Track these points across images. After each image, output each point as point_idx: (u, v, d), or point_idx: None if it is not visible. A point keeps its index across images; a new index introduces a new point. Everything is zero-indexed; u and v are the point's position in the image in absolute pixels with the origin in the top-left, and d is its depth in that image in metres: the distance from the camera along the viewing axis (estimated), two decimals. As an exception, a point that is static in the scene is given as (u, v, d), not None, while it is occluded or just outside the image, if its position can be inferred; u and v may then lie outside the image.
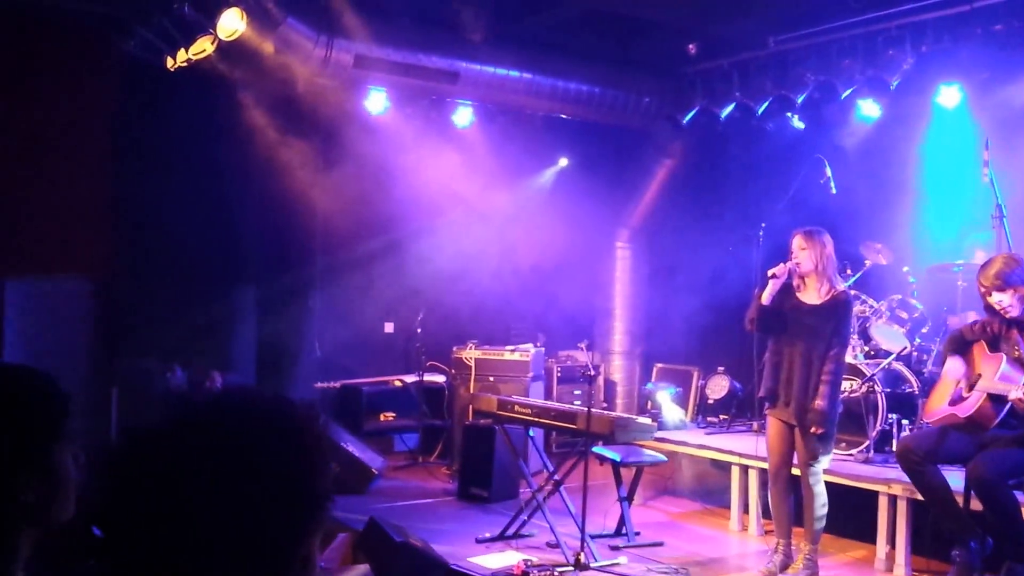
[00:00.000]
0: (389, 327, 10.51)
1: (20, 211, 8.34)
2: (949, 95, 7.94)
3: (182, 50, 7.75)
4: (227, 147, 8.79)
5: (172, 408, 1.34)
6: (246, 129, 8.76)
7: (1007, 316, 5.42)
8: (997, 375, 5.36)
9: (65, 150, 8.63)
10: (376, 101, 8.95)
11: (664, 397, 9.18)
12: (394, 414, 9.84)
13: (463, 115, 9.59)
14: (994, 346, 5.52)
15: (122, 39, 7.98)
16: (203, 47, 7.58)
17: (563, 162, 10.81)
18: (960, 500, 5.60)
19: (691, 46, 9.21)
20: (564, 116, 9.87)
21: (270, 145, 8.96)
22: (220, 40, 7.41)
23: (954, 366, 5.60)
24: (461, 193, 9.91)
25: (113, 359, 8.61)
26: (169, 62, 7.92)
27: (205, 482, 1.25)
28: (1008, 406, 5.30)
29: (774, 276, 5.99)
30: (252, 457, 1.28)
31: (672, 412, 9.07)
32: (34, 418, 1.65)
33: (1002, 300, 5.38)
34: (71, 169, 8.64)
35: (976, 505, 5.49)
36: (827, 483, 6.18)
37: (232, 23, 7.34)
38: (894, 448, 6.70)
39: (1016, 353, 5.39)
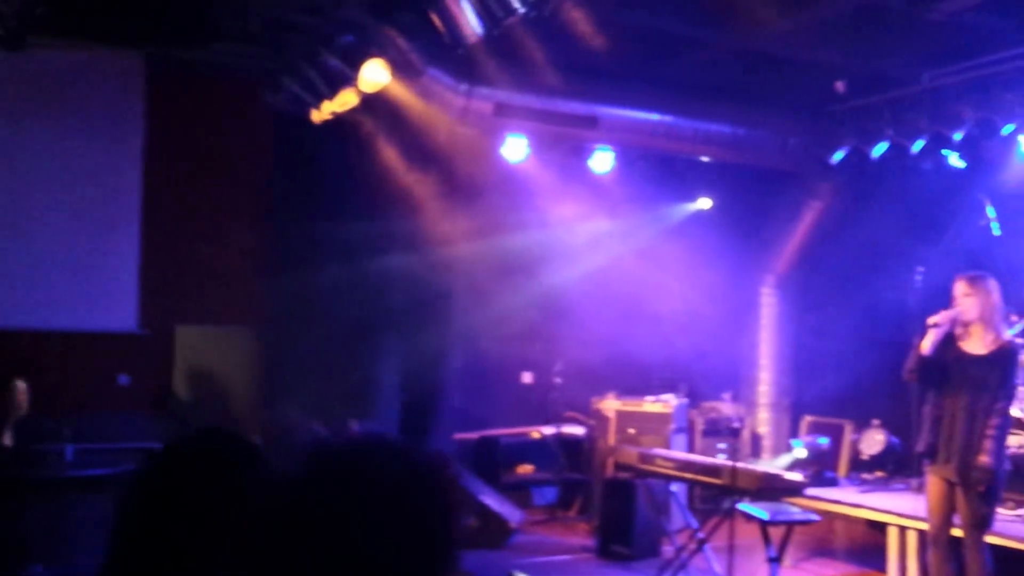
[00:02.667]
0: (527, 377, 10.43)
1: (186, 260, 8.72)
2: (1125, 129, 7.38)
3: (326, 102, 7.90)
4: (369, 197, 8.95)
5: (309, 456, 1.34)
6: (388, 179, 8.88)
7: None
8: None
9: (221, 202, 8.97)
10: (515, 148, 8.87)
11: (800, 452, 8.69)
12: (532, 467, 9.69)
13: (601, 160, 9.44)
14: None
15: (269, 92, 8.22)
16: (347, 98, 7.72)
17: (705, 203, 10.54)
18: None
19: (839, 83, 8.89)
20: (706, 159, 9.63)
21: (411, 196, 9.05)
22: (364, 91, 7.52)
23: None
24: (600, 239, 9.78)
25: (260, 408, 8.81)
26: (314, 114, 8.10)
27: (340, 530, 1.25)
28: None
29: (936, 325, 5.66)
30: (386, 505, 1.27)
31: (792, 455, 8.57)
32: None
33: None
34: (227, 220, 8.97)
35: None
36: (993, 546, 5.73)
37: (376, 74, 7.43)
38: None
39: None
